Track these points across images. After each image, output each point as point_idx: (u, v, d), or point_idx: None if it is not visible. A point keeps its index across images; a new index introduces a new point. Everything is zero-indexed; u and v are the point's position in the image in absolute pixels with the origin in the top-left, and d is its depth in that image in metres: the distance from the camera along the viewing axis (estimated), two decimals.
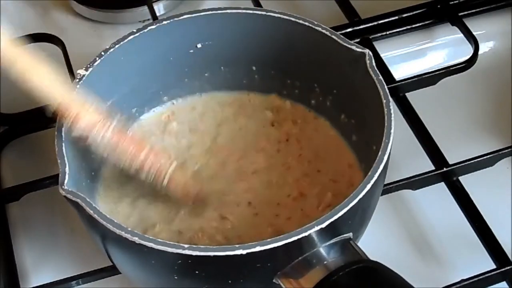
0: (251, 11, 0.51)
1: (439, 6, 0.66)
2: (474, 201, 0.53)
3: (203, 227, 0.48)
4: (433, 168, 0.55)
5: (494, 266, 0.50)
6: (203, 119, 0.54)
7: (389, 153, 0.43)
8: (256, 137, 0.53)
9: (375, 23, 0.65)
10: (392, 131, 0.44)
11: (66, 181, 0.42)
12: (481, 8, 0.67)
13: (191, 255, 0.39)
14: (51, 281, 0.50)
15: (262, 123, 0.54)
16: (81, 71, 0.48)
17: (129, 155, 0.47)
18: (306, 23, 0.50)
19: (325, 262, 0.40)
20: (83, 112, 0.45)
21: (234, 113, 0.55)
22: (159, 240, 0.39)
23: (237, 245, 0.39)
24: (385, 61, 0.61)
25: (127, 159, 0.47)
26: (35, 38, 0.64)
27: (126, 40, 0.49)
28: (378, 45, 0.63)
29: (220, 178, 0.51)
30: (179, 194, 0.49)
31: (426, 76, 0.60)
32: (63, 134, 0.45)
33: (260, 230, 0.48)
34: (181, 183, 0.49)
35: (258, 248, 0.39)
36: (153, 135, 0.54)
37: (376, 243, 0.48)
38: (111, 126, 0.46)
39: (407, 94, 0.60)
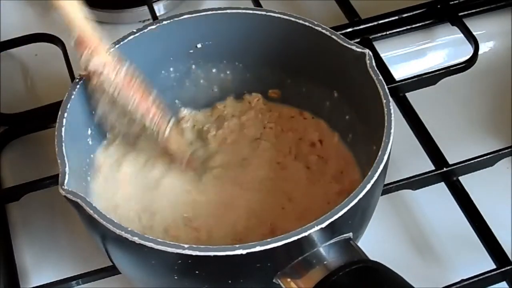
0: (251, 11, 0.51)
1: (439, 6, 0.66)
2: (474, 201, 0.53)
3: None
4: (433, 168, 0.55)
5: (494, 266, 0.50)
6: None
7: (389, 153, 0.43)
8: (255, 136, 0.53)
9: (375, 23, 0.65)
10: (392, 131, 0.44)
11: (66, 181, 0.42)
12: (481, 8, 0.67)
13: (191, 255, 0.39)
14: (51, 281, 0.50)
15: (261, 123, 0.54)
16: (81, 71, 0.47)
17: (136, 99, 0.47)
18: (306, 23, 0.50)
19: (325, 262, 0.40)
20: (101, 47, 0.46)
21: (234, 113, 0.55)
22: (159, 240, 0.39)
23: (237, 245, 0.39)
24: (385, 61, 0.61)
25: (134, 103, 0.47)
26: (35, 38, 0.64)
27: (126, 40, 0.49)
28: (378, 45, 0.63)
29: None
30: (176, 151, 0.49)
31: (426, 76, 0.60)
32: (63, 134, 0.45)
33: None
34: (177, 141, 0.49)
35: (258, 248, 0.39)
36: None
37: (376, 243, 0.48)
38: (121, 68, 0.47)
39: (407, 94, 0.60)
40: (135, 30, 0.50)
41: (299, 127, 0.53)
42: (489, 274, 0.49)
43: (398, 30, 0.65)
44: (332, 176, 0.51)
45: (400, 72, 0.63)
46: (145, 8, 0.66)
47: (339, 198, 0.47)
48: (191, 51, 0.52)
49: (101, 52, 0.46)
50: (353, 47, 0.48)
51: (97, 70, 0.46)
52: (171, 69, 0.53)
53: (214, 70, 0.54)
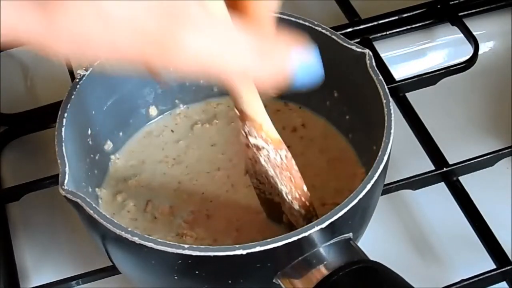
0: None
1: (439, 6, 0.66)
2: (474, 201, 0.53)
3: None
4: (433, 168, 0.55)
5: (494, 266, 0.50)
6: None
7: (389, 153, 0.43)
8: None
9: (375, 23, 0.65)
10: (392, 131, 0.44)
11: (66, 181, 0.42)
12: (481, 8, 0.67)
13: (191, 255, 0.39)
14: (51, 281, 0.50)
15: None
16: (81, 71, 0.47)
17: (290, 184, 0.44)
18: (306, 23, 0.50)
19: (325, 262, 0.40)
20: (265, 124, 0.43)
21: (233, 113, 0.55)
22: (159, 240, 0.39)
23: (237, 245, 0.39)
24: (385, 61, 0.61)
25: (288, 187, 0.44)
26: None
27: None
28: (378, 45, 0.63)
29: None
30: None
31: (426, 76, 0.60)
32: (63, 134, 0.45)
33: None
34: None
35: (258, 248, 0.39)
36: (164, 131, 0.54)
37: (376, 243, 0.48)
38: (282, 152, 0.43)
39: (407, 94, 0.60)
40: None
41: (284, 118, 0.54)
42: (489, 274, 0.49)
43: (398, 30, 0.65)
44: (319, 150, 0.51)
45: (400, 72, 0.63)
46: None
47: (339, 198, 0.46)
48: None
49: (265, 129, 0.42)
50: (353, 47, 0.48)
51: (258, 144, 0.43)
52: (171, 68, 0.53)
53: None
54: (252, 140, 0.42)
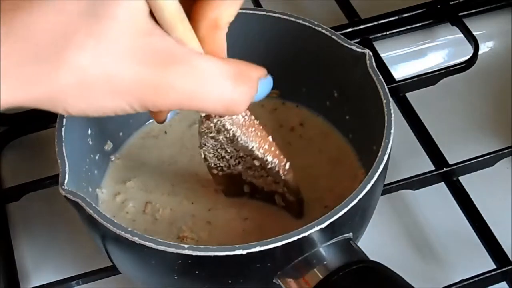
0: (251, 11, 0.51)
1: (439, 6, 0.66)
2: (474, 201, 0.53)
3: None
4: (433, 168, 0.55)
5: (494, 266, 0.50)
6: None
7: (389, 153, 0.43)
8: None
9: (375, 23, 0.65)
10: (392, 131, 0.44)
11: (66, 181, 0.42)
12: (481, 8, 0.67)
13: (191, 255, 0.39)
14: (51, 281, 0.50)
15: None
16: None
17: (258, 141, 0.45)
18: (306, 23, 0.50)
19: (325, 262, 0.40)
20: None
21: None
22: (159, 240, 0.39)
23: (237, 245, 0.39)
24: (385, 61, 0.61)
25: (257, 143, 0.45)
26: None
27: None
28: (378, 45, 0.63)
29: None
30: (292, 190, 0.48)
31: (426, 76, 0.60)
32: (63, 134, 0.45)
33: None
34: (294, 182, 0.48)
35: (258, 248, 0.39)
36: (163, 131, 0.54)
37: (376, 243, 0.48)
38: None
39: (407, 94, 0.60)
40: None
41: (282, 116, 0.54)
42: (489, 274, 0.49)
43: (398, 30, 0.65)
44: (318, 150, 0.52)
45: (400, 72, 0.63)
46: None
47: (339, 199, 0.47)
48: None
49: None
50: (353, 47, 0.48)
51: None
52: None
53: None
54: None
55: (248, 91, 0.38)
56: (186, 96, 0.35)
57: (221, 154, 0.46)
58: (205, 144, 0.46)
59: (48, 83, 0.32)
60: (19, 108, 0.34)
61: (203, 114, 0.44)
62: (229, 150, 0.46)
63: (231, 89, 0.37)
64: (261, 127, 0.45)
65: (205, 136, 0.45)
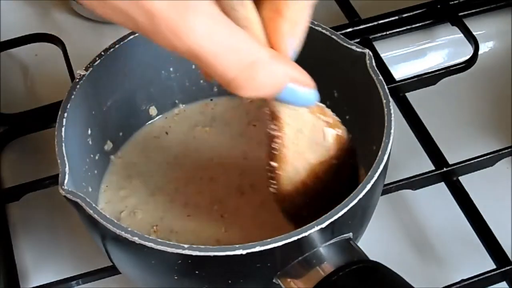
0: None
1: (439, 6, 0.66)
2: (474, 201, 0.53)
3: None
4: (433, 168, 0.55)
5: (494, 266, 0.50)
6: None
7: (389, 153, 0.43)
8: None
9: (375, 23, 0.65)
10: (392, 131, 0.44)
11: (66, 181, 0.42)
12: (481, 8, 0.67)
13: (191, 255, 0.39)
14: (51, 281, 0.50)
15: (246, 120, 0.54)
16: (81, 71, 0.48)
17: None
18: None
19: (325, 262, 0.40)
20: None
21: (232, 113, 0.55)
22: (159, 240, 0.39)
23: (237, 245, 0.39)
24: (385, 61, 0.61)
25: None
26: (35, 38, 0.64)
27: (126, 40, 0.49)
28: (378, 45, 0.63)
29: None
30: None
31: (426, 76, 0.60)
32: (63, 134, 0.45)
33: None
34: None
35: (258, 248, 0.39)
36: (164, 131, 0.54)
37: (376, 243, 0.48)
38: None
39: (407, 94, 0.60)
40: None
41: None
42: (489, 274, 0.49)
43: (398, 30, 0.65)
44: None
45: (400, 72, 0.63)
46: None
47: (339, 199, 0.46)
48: None
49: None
50: (353, 47, 0.48)
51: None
52: (171, 69, 0.53)
53: None
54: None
55: (258, 78, 0.36)
56: (204, 44, 0.34)
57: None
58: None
59: None
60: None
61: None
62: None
63: (243, 66, 0.35)
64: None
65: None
